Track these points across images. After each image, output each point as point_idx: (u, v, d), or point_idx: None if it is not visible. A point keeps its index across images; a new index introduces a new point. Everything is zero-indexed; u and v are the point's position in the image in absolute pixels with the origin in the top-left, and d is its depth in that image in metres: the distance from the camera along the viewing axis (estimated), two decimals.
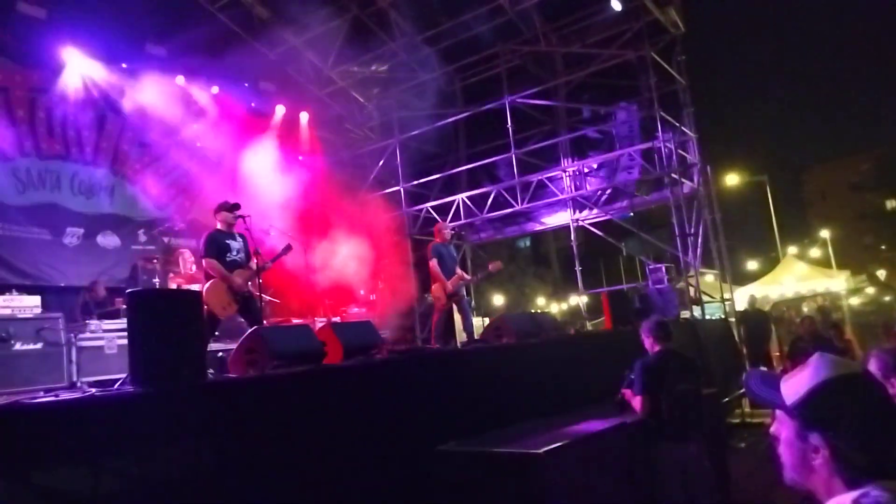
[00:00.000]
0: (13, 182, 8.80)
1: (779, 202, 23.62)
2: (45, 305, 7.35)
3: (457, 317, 8.42)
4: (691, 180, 10.95)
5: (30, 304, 6.98)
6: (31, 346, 6.37)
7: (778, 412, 1.25)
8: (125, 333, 6.65)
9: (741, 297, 12.79)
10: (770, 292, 15.57)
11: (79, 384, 6.34)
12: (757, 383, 1.33)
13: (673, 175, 10.34)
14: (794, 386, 1.23)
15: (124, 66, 9.76)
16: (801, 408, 1.20)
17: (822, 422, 1.17)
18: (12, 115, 8.81)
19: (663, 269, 10.21)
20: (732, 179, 22.55)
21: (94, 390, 3.33)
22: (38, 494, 2.65)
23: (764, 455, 7.44)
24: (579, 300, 13.37)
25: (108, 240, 9.67)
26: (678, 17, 11.21)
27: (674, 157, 10.41)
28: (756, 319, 10.96)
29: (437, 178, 13.13)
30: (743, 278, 20.08)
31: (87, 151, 9.62)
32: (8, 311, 6.74)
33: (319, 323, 8.07)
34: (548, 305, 23.70)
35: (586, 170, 11.58)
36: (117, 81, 9.84)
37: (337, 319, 9.11)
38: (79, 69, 9.36)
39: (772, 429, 1.28)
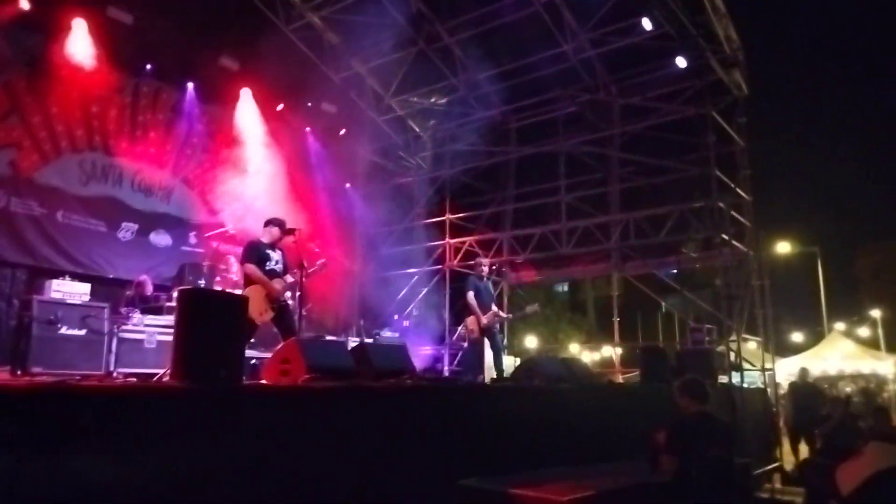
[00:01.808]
0: (78, 173, 9.18)
1: (829, 276, 22.98)
2: (93, 294, 7.60)
3: (488, 353, 8.39)
4: (742, 244, 10.76)
5: (79, 291, 7.20)
6: (76, 332, 6.56)
7: None
8: (165, 329, 6.86)
9: (782, 368, 12.40)
10: (813, 367, 15.05)
11: (115, 374, 6.50)
12: (811, 472, 1.30)
13: (724, 236, 10.17)
14: (850, 475, 1.20)
15: (190, 84, 10.15)
16: (856, 498, 1.17)
17: None
18: (87, 110, 9.23)
19: (705, 329, 10.00)
20: (784, 247, 22.06)
21: (134, 380, 3.41)
22: (66, 476, 2.70)
23: None
24: (613, 351, 13.16)
25: (160, 238, 9.97)
26: (742, 78, 11.18)
27: (726, 218, 10.25)
28: (807, 393, 10.48)
29: (483, 213, 13.21)
30: (785, 349, 19.48)
31: (153, 152, 9.99)
32: (59, 295, 6.96)
33: (352, 342, 8.12)
34: (581, 353, 23.33)
35: (634, 221, 11.47)
36: (188, 89, 10.24)
37: (370, 341, 9.14)
38: (152, 74, 9.79)
39: None
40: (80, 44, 8.74)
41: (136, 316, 7.13)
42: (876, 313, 24.22)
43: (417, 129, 14.18)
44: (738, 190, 11.01)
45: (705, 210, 10.43)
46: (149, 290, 8.21)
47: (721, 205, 10.25)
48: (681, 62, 10.79)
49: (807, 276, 23.34)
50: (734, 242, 10.39)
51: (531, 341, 24.81)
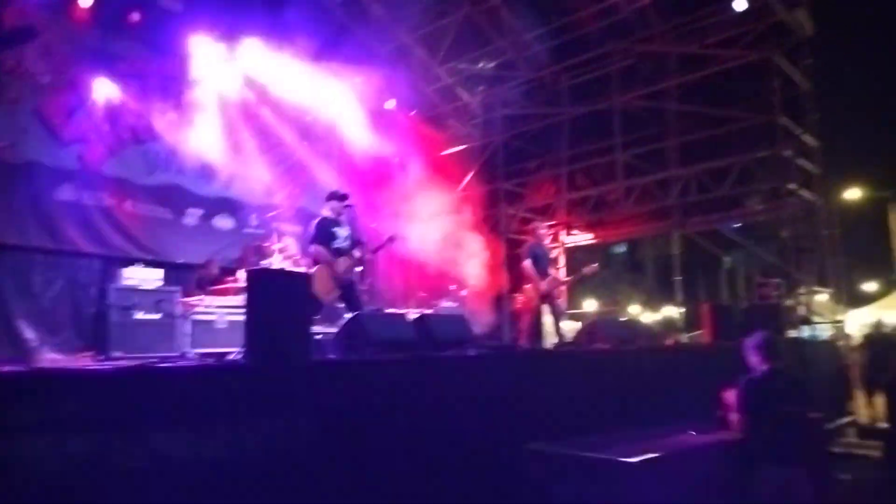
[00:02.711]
0: (143, 164, 9.51)
1: None
2: (164, 279, 7.93)
3: (547, 318, 8.37)
4: (810, 192, 10.30)
5: (152, 277, 7.53)
6: (151, 316, 6.89)
7: None
8: (234, 310, 7.11)
9: (854, 319, 11.93)
10: (886, 317, 14.42)
11: (190, 354, 6.80)
12: None
13: (791, 186, 9.75)
14: None
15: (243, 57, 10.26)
16: None
17: None
18: (149, 102, 9.50)
19: (773, 284, 9.70)
20: (853, 194, 21.00)
21: (210, 360, 3.56)
22: (149, 453, 2.86)
23: (869, 489, 6.96)
24: (675, 311, 12.92)
25: (223, 222, 10.27)
26: (806, 18, 10.55)
27: (793, 166, 9.81)
28: (882, 345, 10.12)
29: (537, 178, 13.05)
30: (858, 300, 18.70)
31: (212, 138, 10.20)
32: (132, 282, 7.30)
33: (413, 314, 8.23)
34: (641, 314, 22.97)
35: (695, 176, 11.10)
36: (239, 71, 10.39)
37: (429, 311, 9.25)
38: (206, 57, 9.94)
39: None
40: (136, 33, 8.97)
41: (206, 298, 7.41)
42: None
43: (467, 96, 14.04)
44: (805, 136, 10.50)
45: (770, 159, 10.01)
46: (215, 271, 8.48)
47: (787, 153, 9.81)
48: (739, 4, 10.28)
49: (878, 222, 22.18)
50: (801, 191, 9.96)
51: (590, 304, 24.58)
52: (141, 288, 7.16)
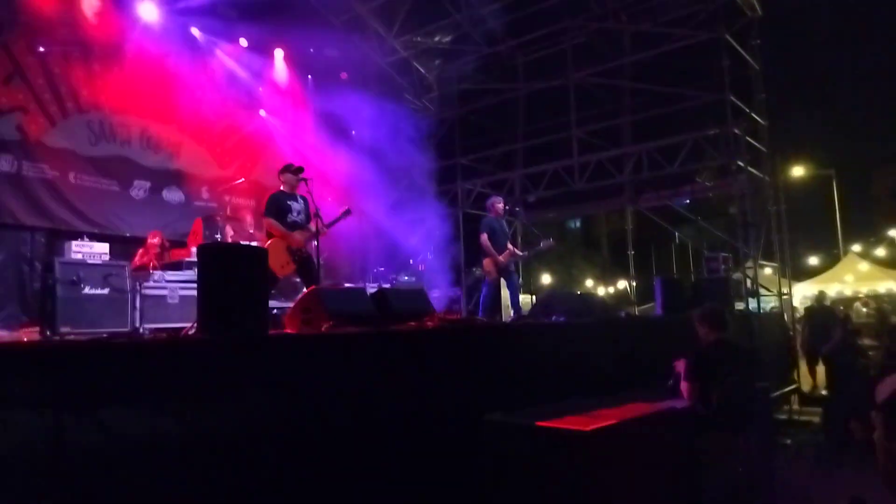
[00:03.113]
0: (87, 133, 9.15)
1: (845, 198, 22.72)
2: (111, 253, 7.70)
3: (504, 292, 8.45)
4: (758, 169, 10.60)
5: (99, 251, 7.31)
6: (99, 291, 6.68)
7: (872, 414, 1.25)
8: (186, 284, 6.96)
9: (798, 292, 12.44)
10: (829, 289, 15.07)
11: (141, 330, 6.65)
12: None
13: (740, 163, 10.02)
14: (885, 387, 1.23)
15: (194, 29, 9.97)
16: (886, 407, 1.20)
17: None
18: (89, 68, 9.12)
19: (721, 258, 9.99)
20: (799, 171, 21.77)
21: (163, 335, 3.49)
22: (101, 429, 2.80)
23: (810, 453, 7.33)
24: (628, 284, 13.22)
25: (172, 195, 9.99)
26: None
27: (742, 144, 10.07)
28: (822, 316, 10.58)
29: (493, 153, 13.08)
30: (802, 273, 19.46)
31: (157, 108, 9.91)
32: (79, 256, 7.07)
33: (371, 288, 8.21)
34: (595, 288, 23.48)
35: (647, 153, 11.30)
36: (186, 41, 10.08)
37: (387, 286, 9.24)
38: (154, 28, 9.62)
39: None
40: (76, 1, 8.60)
41: (157, 272, 7.23)
42: (893, 233, 24.04)
43: (423, 71, 13.91)
44: (754, 115, 10.77)
45: (720, 137, 10.25)
46: (163, 245, 8.25)
47: (736, 131, 10.06)
48: None
49: (823, 199, 23.07)
50: (750, 168, 10.24)
51: (546, 279, 24.95)
52: (89, 262, 6.94)
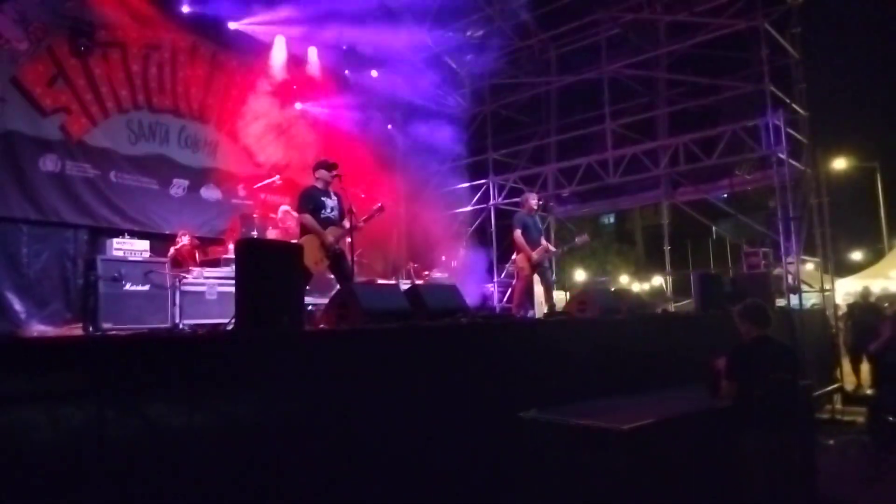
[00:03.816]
0: (127, 133, 9.35)
1: (890, 191, 21.98)
2: (151, 251, 7.86)
3: (538, 288, 8.39)
4: (799, 161, 10.32)
5: (140, 248, 7.46)
6: (140, 287, 6.84)
7: None
8: (225, 280, 7.07)
9: (841, 288, 12.09)
10: (873, 286, 14.61)
11: (181, 325, 6.78)
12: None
13: (780, 155, 9.76)
14: None
15: (232, 25, 10.10)
16: None
17: None
18: (128, 69, 9.32)
19: (761, 253, 9.76)
20: (841, 163, 21.13)
21: (202, 331, 3.54)
22: (143, 422, 2.86)
23: (854, 454, 7.12)
24: (664, 280, 13.02)
25: (210, 192, 10.16)
26: None
27: (782, 135, 9.81)
28: (867, 313, 10.26)
29: (526, 148, 12.99)
30: (845, 269, 18.92)
31: (195, 108, 10.09)
32: (120, 254, 7.23)
33: (404, 285, 8.24)
34: (630, 284, 23.17)
35: (684, 145, 11.09)
36: (224, 39, 10.22)
37: (420, 282, 9.26)
38: (189, 27, 9.78)
39: None
40: (115, 3, 8.79)
41: (196, 269, 7.37)
42: None
43: (454, 66, 13.87)
44: (794, 105, 10.49)
45: (759, 128, 10.00)
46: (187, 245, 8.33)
47: (776, 122, 9.80)
48: None
49: (866, 192, 22.36)
50: (790, 160, 9.98)
51: (580, 275, 24.73)
52: (129, 259, 7.11)
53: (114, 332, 6.08)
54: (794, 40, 10.67)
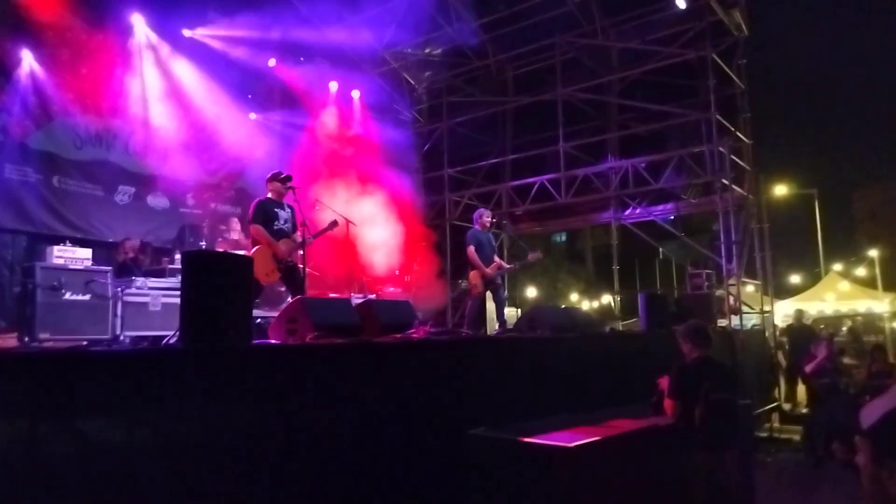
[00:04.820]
0: (72, 138, 9.07)
1: (827, 218, 23.01)
2: (94, 259, 7.60)
3: (490, 305, 8.44)
4: (742, 188, 10.73)
5: (81, 257, 7.20)
6: (80, 297, 6.59)
7: (857, 439, 1.25)
8: (170, 292, 6.88)
9: (780, 310, 12.54)
10: (810, 308, 15.22)
11: (122, 337, 6.56)
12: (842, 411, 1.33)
13: (724, 181, 10.13)
14: (871, 412, 1.23)
15: (186, 32, 9.94)
16: (874, 432, 1.20)
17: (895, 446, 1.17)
18: (76, 72, 9.05)
19: (704, 275, 10.07)
20: (781, 190, 22.02)
21: (145, 343, 3.44)
22: (78, 439, 2.76)
23: (790, 471, 7.37)
24: (613, 299, 13.27)
25: (157, 201, 9.91)
26: (743, 19, 10.95)
27: (726, 162, 10.19)
28: (802, 334, 10.68)
29: (481, 166, 13.13)
30: (783, 291, 19.65)
31: (146, 113, 9.85)
32: (61, 262, 6.96)
33: (356, 299, 8.17)
34: (580, 302, 23.55)
35: (633, 168, 11.39)
36: (177, 49, 10.05)
37: (373, 297, 9.20)
38: (142, 35, 9.60)
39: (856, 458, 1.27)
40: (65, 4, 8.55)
41: (140, 279, 7.15)
42: (873, 253, 24.36)
43: (413, 82, 13.95)
44: (738, 133, 10.92)
45: (705, 154, 10.37)
46: (131, 253, 8.12)
47: (721, 149, 10.18)
48: (680, 3, 10.57)
49: (805, 218, 23.37)
50: (734, 186, 10.36)
51: (531, 292, 24.99)
52: (70, 267, 6.85)
53: (50, 343, 5.85)
54: (740, 71, 11.14)
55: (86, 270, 6.87)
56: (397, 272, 11.82)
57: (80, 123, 9.14)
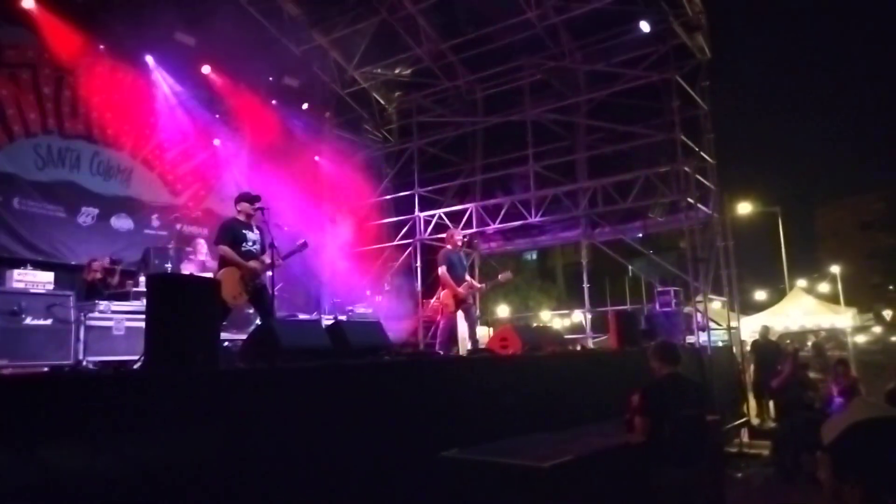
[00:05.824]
0: (33, 158, 8.88)
1: (790, 235, 23.57)
2: (56, 282, 7.40)
3: (462, 325, 8.42)
4: (707, 206, 10.94)
5: (43, 280, 7.02)
6: (41, 322, 6.40)
7: (818, 454, 1.26)
8: (134, 315, 6.73)
9: (746, 326, 12.74)
10: (775, 324, 15.49)
11: (85, 363, 6.38)
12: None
13: (689, 200, 10.33)
14: (831, 427, 1.24)
15: (149, 57, 9.85)
16: (834, 447, 1.21)
17: (855, 461, 1.18)
18: (38, 91, 8.90)
19: (672, 292, 10.20)
20: (745, 208, 22.51)
21: (107, 369, 3.35)
22: (39, 466, 2.66)
23: (760, 486, 7.44)
24: (583, 317, 13.35)
25: (121, 222, 9.73)
26: (705, 42, 11.25)
27: (691, 181, 10.40)
28: (768, 350, 10.85)
29: (451, 185, 13.19)
30: (749, 308, 20.00)
31: (109, 134, 9.70)
32: (21, 286, 6.78)
33: (326, 320, 8.09)
34: (551, 320, 23.64)
35: (602, 188, 11.55)
36: (143, 68, 9.95)
37: (343, 318, 9.12)
38: (108, 52, 9.48)
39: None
40: (27, 23, 8.42)
41: (103, 303, 6.98)
42: (835, 269, 24.98)
43: (383, 102, 14.00)
44: (703, 153, 11.16)
45: (671, 174, 10.56)
46: (98, 275, 7.95)
47: (686, 169, 10.39)
48: (644, 27, 10.82)
49: (769, 235, 23.90)
50: (699, 205, 10.56)
51: (503, 310, 25.03)
52: (30, 291, 6.66)
53: (9, 370, 5.66)
54: (704, 93, 11.41)
55: (47, 294, 6.69)
56: (368, 293, 11.77)
57: (43, 143, 8.96)
